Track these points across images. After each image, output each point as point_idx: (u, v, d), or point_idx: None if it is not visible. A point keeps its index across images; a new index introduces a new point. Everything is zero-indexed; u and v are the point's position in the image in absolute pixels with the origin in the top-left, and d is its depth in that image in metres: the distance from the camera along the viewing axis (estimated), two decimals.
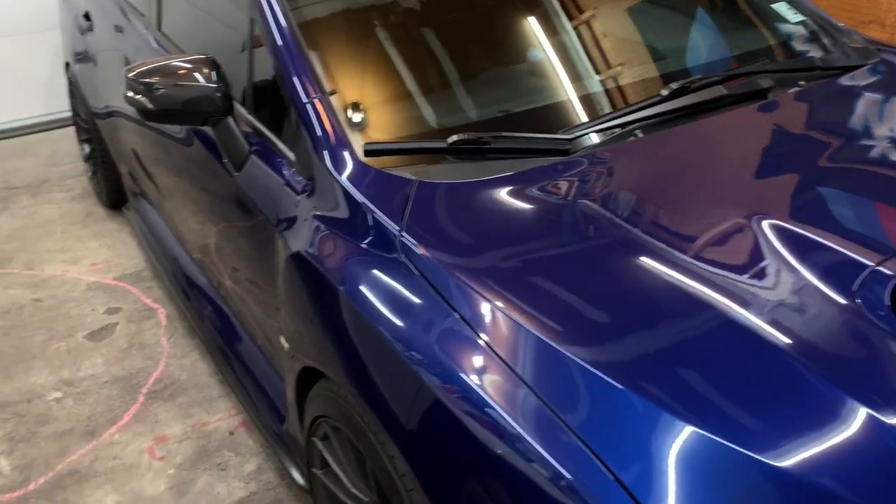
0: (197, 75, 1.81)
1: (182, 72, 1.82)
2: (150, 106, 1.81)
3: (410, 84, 1.79)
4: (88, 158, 3.80)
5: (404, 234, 1.39)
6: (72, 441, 2.36)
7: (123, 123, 2.97)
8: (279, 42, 1.78)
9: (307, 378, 1.67)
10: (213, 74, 1.80)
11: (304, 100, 1.68)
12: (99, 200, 3.78)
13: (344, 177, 1.57)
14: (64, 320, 2.94)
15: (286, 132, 1.78)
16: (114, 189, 3.56)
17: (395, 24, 1.92)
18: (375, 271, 1.40)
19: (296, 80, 1.70)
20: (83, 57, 3.46)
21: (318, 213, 1.60)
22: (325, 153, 1.61)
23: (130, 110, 2.79)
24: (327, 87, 1.68)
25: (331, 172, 1.59)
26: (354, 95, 1.73)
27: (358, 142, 1.62)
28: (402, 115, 1.75)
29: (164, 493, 2.16)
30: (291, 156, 1.73)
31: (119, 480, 2.21)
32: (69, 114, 4.14)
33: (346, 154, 1.60)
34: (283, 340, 1.72)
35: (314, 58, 1.73)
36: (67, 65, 3.73)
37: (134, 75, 1.83)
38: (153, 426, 2.41)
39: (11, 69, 4.61)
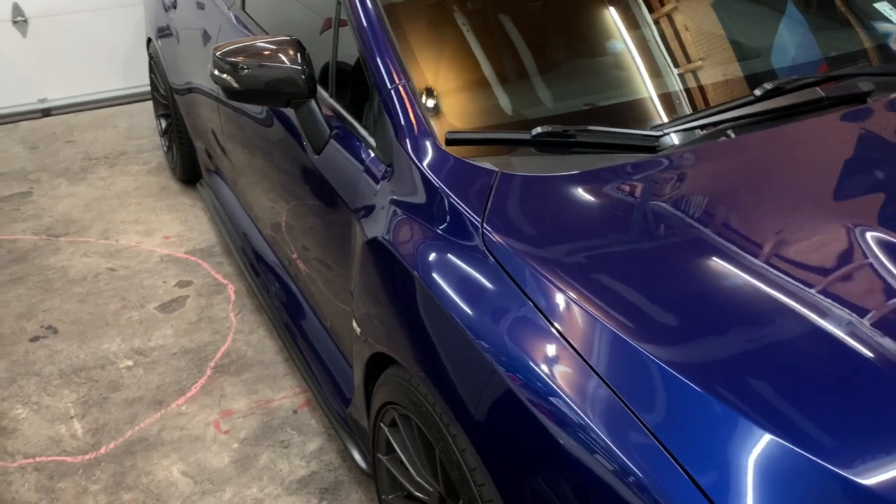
0: (282, 56, 1.82)
1: (267, 53, 1.83)
2: (235, 85, 1.83)
3: (493, 73, 1.77)
4: (165, 133, 3.89)
5: (485, 224, 1.38)
6: (141, 409, 2.43)
7: (201, 100, 3.02)
8: (365, 26, 1.78)
9: (377, 363, 1.67)
10: (298, 56, 1.81)
11: (388, 86, 1.67)
12: (173, 175, 3.87)
13: (425, 164, 1.56)
14: (136, 290, 3.02)
15: (367, 117, 1.78)
16: (188, 164, 3.63)
17: (479, 11, 1.90)
18: (452, 258, 1.40)
19: (380, 65, 1.70)
20: (165, 33, 3.53)
21: (396, 199, 1.59)
22: (407, 140, 1.61)
23: (209, 87, 2.84)
24: (411, 73, 1.67)
25: (412, 159, 1.58)
26: (438, 83, 1.72)
27: (440, 130, 1.61)
28: (484, 104, 1.73)
29: (228, 467, 2.20)
30: (372, 141, 1.73)
31: (185, 451, 2.26)
32: (147, 88, 4.24)
33: (428, 142, 1.59)
34: (354, 324, 1.73)
35: (399, 43, 1.72)
36: (149, 41, 3.81)
37: (221, 54, 1.85)
38: (219, 400, 2.46)
39: (95, 42, 4.75)
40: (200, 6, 3.05)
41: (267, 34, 2.39)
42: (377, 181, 1.67)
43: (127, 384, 2.54)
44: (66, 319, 2.86)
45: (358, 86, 1.83)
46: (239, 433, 2.32)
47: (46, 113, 4.73)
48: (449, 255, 1.40)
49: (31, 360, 2.65)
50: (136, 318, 2.86)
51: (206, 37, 2.95)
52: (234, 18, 2.67)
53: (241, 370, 2.58)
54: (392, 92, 1.66)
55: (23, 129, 4.57)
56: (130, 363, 2.63)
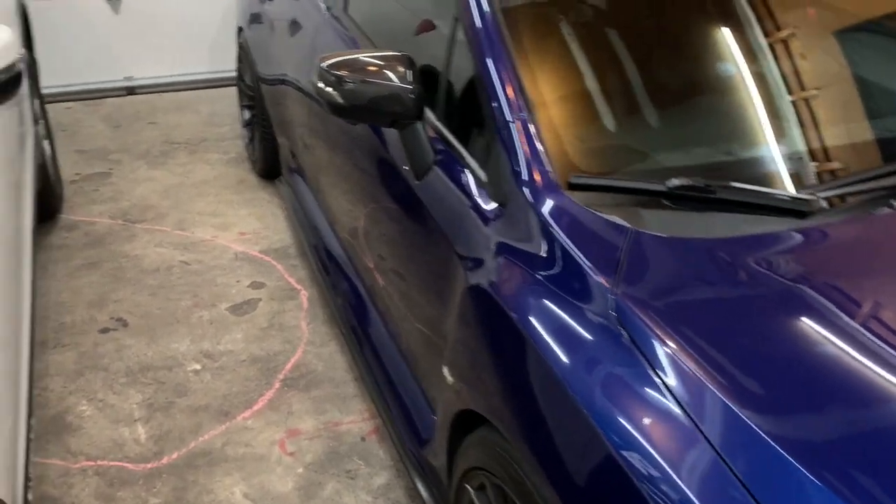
0: (391, 73, 1.69)
1: (375, 68, 1.71)
2: (339, 100, 1.70)
3: (625, 113, 1.61)
4: (248, 125, 3.82)
5: (616, 291, 1.22)
6: (206, 418, 2.34)
7: (291, 94, 2.92)
8: (485, 48, 1.63)
9: (466, 418, 1.53)
10: (409, 74, 1.68)
11: (508, 117, 1.52)
12: (252, 168, 3.79)
13: (544, 210, 1.41)
14: (209, 288, 2.94)
15: (478, 147, 1.63)
16: (269, 159, 3.55)
17: (614, 42, 1.74)
18: (573, 325, 1.24)
19: (500, 93, 1.55)
20: (258, 23, 3.45)
21: (507, 243, 1.45)
22: (525, 180, 1.46)
23: (300, 81, 2.73)
24: (534, 105, 1.52)
25: (529, 203, 1.43)
26: (563, 119, 1.57)
27: (562, 171, 1.45)
28: (613, 146, 1.57)
29: (292, 493, 2.10)
30: (482, 174, 1.59)
31: (248, 470, 2.17)
32: (231, 74, 4.19)
33: (549, 184, 1.43)
34: (446, 371, 1.59)
35: (522, 71, 1.57)
36: (240, 29, 3.74)
37: (327, 66, 1.72)
38: (286, 417, 2.36)
39: (184, 24, 4.72)
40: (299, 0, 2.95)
41: (370, 41, 2.27)
42: (486, 221, 1.53)
43: (193, 389, 2.46)
44: (136, 312, 2.80)
45: (470, 110, 1.69)
46: (305, 457, 2.21)
47: (131, 91, 4.73)
48: (569, 320, 1.25)
49: (100, 354, 2.60)
50: (206, 318, 2.78)
51: (302, 33, 2.84)
52: (334, 20, 2.55)
53: (310, 386, 2.48)
54: (511, 125, 1.51)
55: (108, 106, 4.57)
56: (198, 367, 2.56)
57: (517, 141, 1.49)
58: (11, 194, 2.18)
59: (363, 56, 1.77)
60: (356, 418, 2.36)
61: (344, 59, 1.75)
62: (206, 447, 2.25)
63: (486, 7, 1.68)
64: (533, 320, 1.29)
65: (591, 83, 1.62)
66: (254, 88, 3.55)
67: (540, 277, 1.34)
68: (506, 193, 1.49)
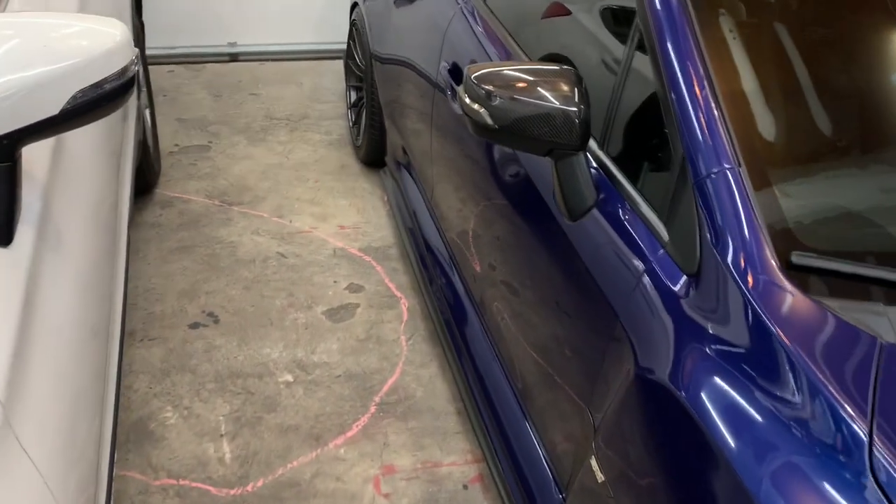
0: (550, 92, 1.40)
1: (529, 84, 1.42)
2: (488, 120, 1.43)
3: (870, 172, 1.28)
4: (353, 106, 3.59)
5: (873, 438, 0.92)
6: (296, 441, 2.14)
7: (408, 79, 2.66)
8: (679, 69, 1.33)
9: None
10: (576, 94, 1.39)
11: (709, 169, 1.22)
12: (355, 154, 3.57)
13: (757, 297, 1.11)
14: (305, 287, 2.74)
15: (659, 195, 1.34)
16: (374, 146, 3.32)
17: (857, 78, 1.40)
18: (800, 467, 0.95)
19: (700, 135, 1.25)
20: None
21: (699, 327, 1.16)
22: (730, 252, 1.16)
23: (423, 65, 2.47)
24: (746, 155, 1.21)
25: (735, 282, 1.13)
26: (784, 174, 1.25)
27: (780, 246, 1.15)
28: (852, 214, 1.25)
29: None
30: (664, 233, 1.29)
31: None
32: (335, 46, 3.96)
33: (762, 262, 1.13)
34: (594, 465, 1.32)
35: (731, 109, 1.26)
36: (355, 5, 3.49)
37: (477, 77, 1.45)
38: (381, 449, 2.14)
39: None
40: None
41: (515, 43, 1.98)
42: (668, 294, 1.23)
43: (284, 405, 2.26)
44: (228, 308, 2.63)
45: (651, 147, 1.39)
46: (400, 501, 1.99)
47: (234, 58, 4.56)
48: (793, 457, 0.96)
49: (188, 353, 2.43)
50: (301, 322, 2.58)
51: (431, 14, 2.57)
52: (470, 12, 2.27)
53: (407, 414, 2.25)
54: (713, 178, 1.21)
55: (209, 72, 4.41)
56: (290, 378, 2.36)
57: (718, 199, 1.19)
58: (111, 168, 1.99)
59: (518, 68, 1.49)
60: (458, 460, 2.12)
61: (493, 72, 1.47)
62: (295, 476, 2.05)
63: (681, 19, 1.37)
64: (739, 447, 1.00)
65: (826, 127, 1.30)
66: (364, 69, 3.31)
67: (750, 386, 1.05)
68: (699, 263, 1.20)
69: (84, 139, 1.58)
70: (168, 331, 2.52)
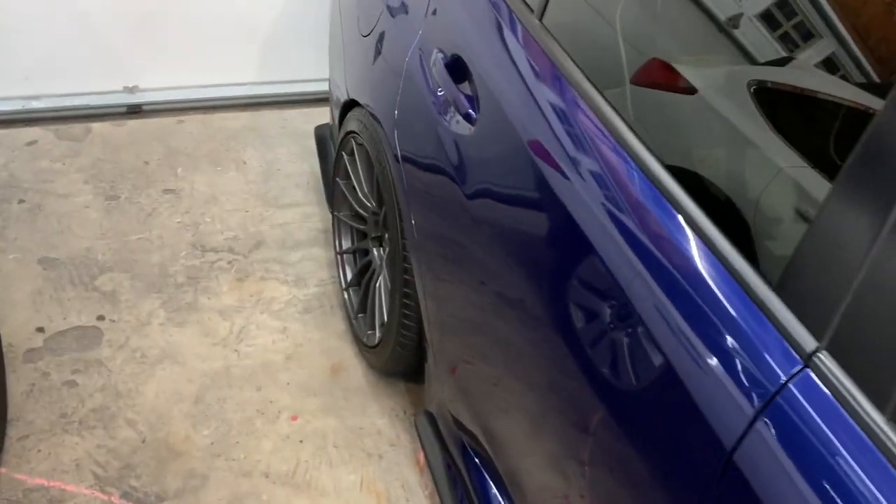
0: None
1: None
2: None
3: None
4: (351, 286, 2.12)
5: None
6: None
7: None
8: None
9: None
10: None
11: None
12: (354, 336, 2.12)
13: None
14: None
15: None
16: (402, 353, 1.89)
17: None
18: None
19: None
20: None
21: None
22: None
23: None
24: None
25: None
26: None
27: None
28: None
29: None
30: None
31: None
32: (295, 88, 2.52)
33: None
34: None
35: None
36: (348, 106, 1.98)
37: None
38: None
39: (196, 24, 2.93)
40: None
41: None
42: None
43: None
44: None
45: None
46: None
47: (135, 110, 2.97)
48: None
49: None
50: None
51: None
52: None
53: None
54: None
55: (96, 141, 2.81)
56: None
57: None
58: None
59: None
60: None
61: None
62: None
63: None
64: None
65: None
66: (384, 219, 1.85)
67: None
68: None
69: None
70: None
